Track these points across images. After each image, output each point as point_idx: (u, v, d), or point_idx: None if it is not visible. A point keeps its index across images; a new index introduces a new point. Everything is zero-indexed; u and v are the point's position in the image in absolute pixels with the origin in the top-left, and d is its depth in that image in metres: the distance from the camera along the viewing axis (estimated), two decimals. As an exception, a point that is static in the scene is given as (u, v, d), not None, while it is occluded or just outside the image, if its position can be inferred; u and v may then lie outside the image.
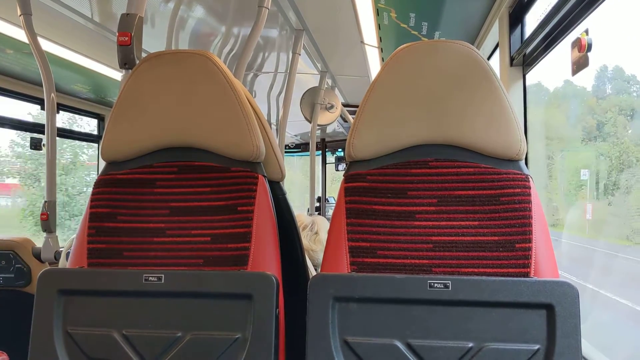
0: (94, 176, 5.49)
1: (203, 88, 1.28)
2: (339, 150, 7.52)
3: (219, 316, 1.15)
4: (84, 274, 1.22)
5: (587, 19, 1.74)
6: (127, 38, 1.49)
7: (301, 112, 4.23)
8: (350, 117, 5.10)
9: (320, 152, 7.22)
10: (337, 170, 7.63)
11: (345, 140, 1.27)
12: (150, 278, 1.16)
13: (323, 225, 2.51)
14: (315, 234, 2.42)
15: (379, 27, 3.04)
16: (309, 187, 4.55)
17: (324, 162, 7.37)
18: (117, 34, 1.51)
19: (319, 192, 7.02)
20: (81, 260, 1.26)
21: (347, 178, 1.26)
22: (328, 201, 7.34)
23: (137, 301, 1.18)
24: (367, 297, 1.11)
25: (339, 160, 7.55)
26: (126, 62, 1.50)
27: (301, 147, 7.69)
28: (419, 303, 1.10)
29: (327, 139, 7.22)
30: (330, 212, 6.54)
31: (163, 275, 1.16)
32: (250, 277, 1.17)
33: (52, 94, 2.65)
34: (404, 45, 1.26)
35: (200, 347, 1.14)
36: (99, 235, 1.26)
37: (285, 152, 6.53)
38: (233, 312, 1.14)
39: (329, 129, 6.33)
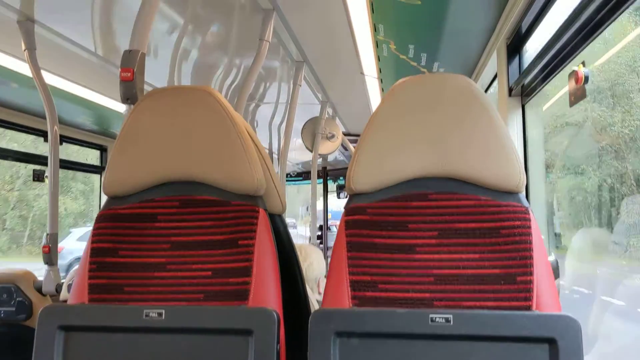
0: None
1: (204, 123, 1.30)
2: (341, 178, 7.54)
3: (219, 352, 1.14)
4: (85, 309, 1.22)
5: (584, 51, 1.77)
6: (129, 74, 1.51)
7: (302, 142, 4.25)
8: (351, 146, 5.12)
9: (322, 180, 7.23)
10: (339, 198, 7.64)
11: (346, 168, 1.28)
12: (150, 314, 1.16)
13: (309, 254, 2.50)
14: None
15: (378, 58, 3.08)
16: (310, 217, 4.55)
17: (326, 191, 7.37)
18: (119, 69, 1.53)
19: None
20: (82, 295, 1.26)
21: (348, 211, 1.26)
22: (330, 229, 7.32)
23: (137, 337, 1.17)
24: (369, 332, 1.11)
25: (340, 188, 7.56)
26: (128, 97, 1.52)
27: (303, 175, 7.71)
28: (420, 338, 1.09)
29: (328, 168, 7.24)
30: (332, 241, 6.51)
31: (164, 311, 1.16)
32: (250, 312, 1.16)
33: (55, 127, 2.67)
34: (403, 79, 1.28)
35: None
36: (100, 271, 1.26)
37: (287, 180, 6.54)
38: (234, 348, 1.14)
39: (331, 158, 6.36)
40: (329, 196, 7.50)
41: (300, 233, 15.26)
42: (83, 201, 13.64)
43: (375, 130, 1.26)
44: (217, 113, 1.29)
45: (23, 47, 2.37)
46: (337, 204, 7.67)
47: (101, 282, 1.26)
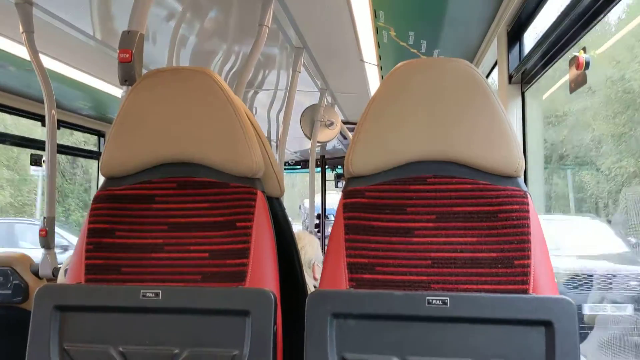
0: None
1: (203, 104, 1.29)
2: (339, 167, 7.53)
3: (216, 332, 1.14)
4: (81, 289, 1.21)
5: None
6: (127, 55, 1.50)
7: (301, 129, 4.24)
8: (349, 134, 5.11)
9: (320, 168, 7.22)
10: (337, 187, 7.64)
11: (344, 157, 1.28)
12: (147, 294, 1.16)
13: (302, 238, 2.50)
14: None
15: (378, 45, 3.07)
16: (309, 204, 4.55)
17: (324, 179, 7.37)
18: (117, 51, 1.52)
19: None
20: (79, 276, 1.25)
21: (346, 194, 1.26)
22: (328, 218, 7.33)
23: (134, 317, 1.17)
24: (366, 313, 1.11)
25: (338, 177, 7.56)
26: (127, 78, 1.51)
27: (301, 164, 7.70)
28: (417, 320, 1.09)
29: (326, 156, 7.24)
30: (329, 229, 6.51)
31: (160, 292, 1.16)
32: (247, 293, 1.16)
33: (53, 111, 2.66)
34: (403, 62, 1.27)
35: None
36: (97, 251, 1.26)
37: (285, 169, 6.54)
38: (231, 329, 1.14)
39: (329, 146, 6.35)
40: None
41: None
42: (12, 192, 11.82)
43: (374, 112, 1.25)
44: (216, 94, 1.29)
45: (21, 29, 2.35)
46: (332, 201, 7.65)
47: (98, 262, 1.25)
